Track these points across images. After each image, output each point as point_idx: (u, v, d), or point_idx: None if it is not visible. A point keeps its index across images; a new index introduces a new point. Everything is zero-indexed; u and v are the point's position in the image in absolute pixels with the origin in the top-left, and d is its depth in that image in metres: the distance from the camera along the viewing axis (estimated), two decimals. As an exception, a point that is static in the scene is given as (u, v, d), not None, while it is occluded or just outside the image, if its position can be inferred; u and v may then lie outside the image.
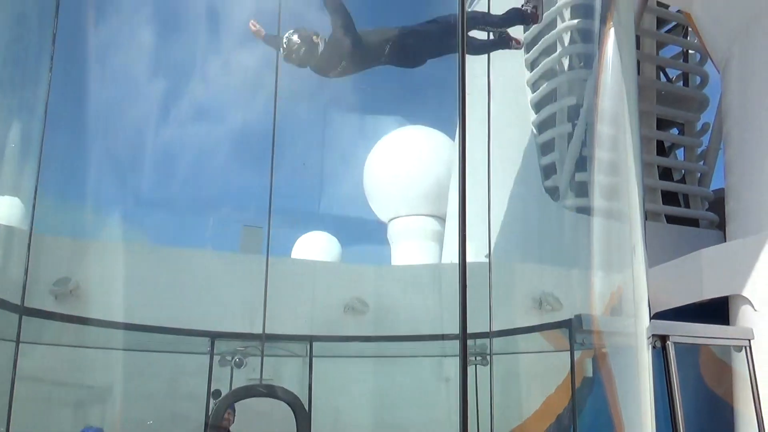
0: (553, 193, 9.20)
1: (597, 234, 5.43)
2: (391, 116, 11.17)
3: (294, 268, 6.88)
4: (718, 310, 7.59)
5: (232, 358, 4.92)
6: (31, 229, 4.22)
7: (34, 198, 4.23)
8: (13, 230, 4.38)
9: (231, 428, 5.11)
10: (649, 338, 4.41)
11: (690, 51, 12.67)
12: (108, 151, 5.44)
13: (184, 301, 5.33)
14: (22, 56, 4.44)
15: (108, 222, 5.47)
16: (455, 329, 5.49)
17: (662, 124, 11.95)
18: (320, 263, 8.36)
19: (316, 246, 10.06)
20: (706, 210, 11.64)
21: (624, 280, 4.92)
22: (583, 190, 8.48)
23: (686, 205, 11.57)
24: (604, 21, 6.35)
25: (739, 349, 4.66)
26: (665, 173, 11.67)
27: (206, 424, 4.60)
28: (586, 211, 7.10)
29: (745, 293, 7.51)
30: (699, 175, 12.01)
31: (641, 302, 4.58)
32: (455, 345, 5.70)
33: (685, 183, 11.76)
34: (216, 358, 5.02)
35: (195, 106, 6.26)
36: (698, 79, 12.39)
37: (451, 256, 9.75)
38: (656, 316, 6.00)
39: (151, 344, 4.79)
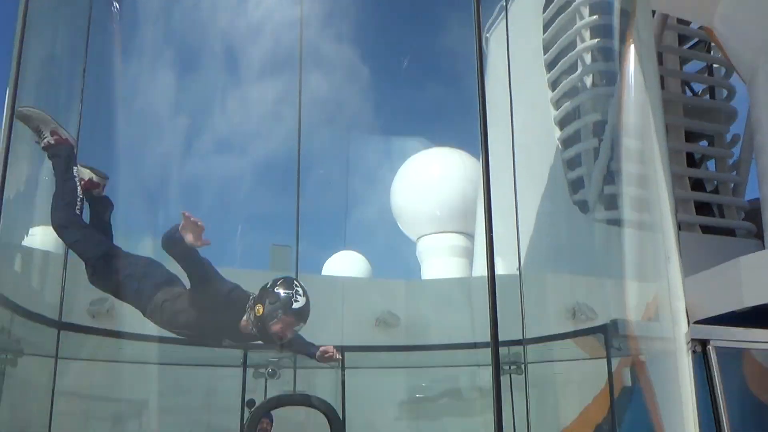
0: (582, 206, 9.14)
1: (629, 245, 5.37)
2: (417, 137, 11.30)
3: (324, 284, 6.94)
4: (759, 318, 7.35)
5: (266, 370, 4.94)
6: (66, 252, 4.35)
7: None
8: (49, 255, 4.50)
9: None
10: (688, 343, 4.28)
11: (714, 65, 12.59)
12: (136, 184, 5.61)
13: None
14: (53, 96, 4.64)
15: (139, 247, 5.60)
16: (486, 340, 5.46)
17: (691, 137, 11.82)
18: (350, 278, 8.39)
19: (345, 265, 10.12)
20: (742, 220, 11.38)
21: (659, 289, 4.83)
22: (612, 202, 8.41)
23: (721, 215, 11.34)
24: (623, 39, 6.38)
25: (782, 353, 4.51)
26: (697, 185, 11.49)
27: (241, 434, 4.60)
28: (616, 222, 7.03)
29: (787, 299, 7.28)
30: (732, 185, 11.79)
31: (679, 309, 4.49)
32: (488, 355, 5.66)
33: (718, 194, 11.55)
34: (249, 371, 5.05)
35: (221, 138, 6.48)
36: (724, 93, 12.28)
37: (481, 271, 9.70)
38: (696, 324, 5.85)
39: (185, 358, 4.84)
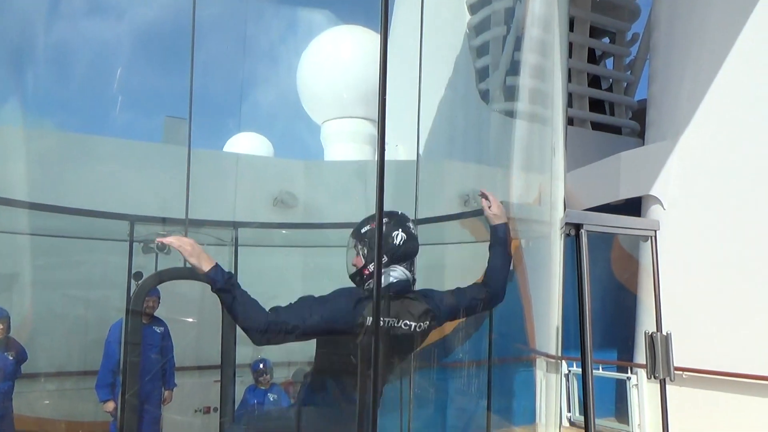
0: (485, 95, 9.26)
1: (520, 136, 5.54)
2: (324, 12, 10.72)
3: (220, 160, 6.71)
4: (631, 211, 8.07)
5: (155, 244, 4.80)
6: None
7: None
8: None
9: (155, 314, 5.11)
10: (562, 227, 4.60)
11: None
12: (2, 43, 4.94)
13: (100, 186, 5.11)
14: None
15: (6, 108, 5.05)
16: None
17: (595, 32, 12.05)
18: (248, 156, 8.17)
19: (246, 146, 9.82)
20: (630, 119, 12.08)
21: (543, 180, 5.08)
22: (512, 93, 8.57)
23: (611, 113, 11.95)
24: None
25: (645, 239, 4.96)
26: (594, 81, 11.91)
27: (127, 310, 4.54)
28: (513, 114, 7.21)
29: (656, 193, 8.00)
30: (625, 84, 12.34)
31: (558, 198, 4.77)
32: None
33: (612, 92, 12.08)
34: (139, 246, 4.89)
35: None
36: (631, -10, 12.47)
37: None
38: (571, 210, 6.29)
39: (64, 229, 4.59)
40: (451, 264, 6.35)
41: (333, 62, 11.10)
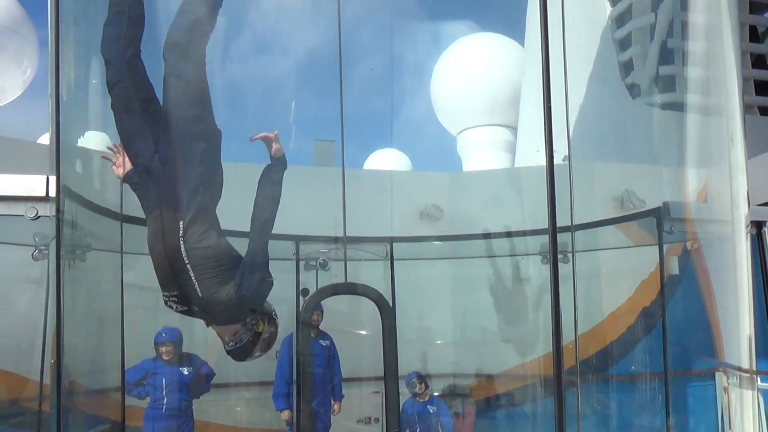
0: (633, 89, 8.70)
1: (688, 128, 5.11)
2: (458, 23, 10.75)
3: (368, 178, 6.96)
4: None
5: (317, 262, 5.09)
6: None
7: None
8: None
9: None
10: (748, 225, 4.15)
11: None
12: None
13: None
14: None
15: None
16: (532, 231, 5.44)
17: (755, 7, 10.87)
18: (394, 172, 8.38)
19: (386, 163, 10.08)
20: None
21: (720, 172, 4.65)
22: (669, 84, 7.96)
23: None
24: None
25: None
26: (759, 61, 10.72)
27: (297, 323, 4.83)
28: (673, 106, 6.69)
29: None
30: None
31: (739, 192, 4.33)
32: (533, 245, 5.67)
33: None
34: (301, 264, 5.22)
35: (260, 39, 6.29)
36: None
37: (524, 161, 9.53)
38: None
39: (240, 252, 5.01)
40: (609, 270, 6.01)
41: (465, 72, 11.07)
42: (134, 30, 2.71)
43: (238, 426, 5.53)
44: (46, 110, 2.84)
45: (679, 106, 6.13)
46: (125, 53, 2.67)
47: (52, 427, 2.74)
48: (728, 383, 6.04)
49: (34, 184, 3.61)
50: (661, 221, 4.60)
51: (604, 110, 7.85)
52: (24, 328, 5.43)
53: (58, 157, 2.82)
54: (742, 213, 3.97)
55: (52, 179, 2.92)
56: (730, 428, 6.10)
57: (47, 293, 4.79)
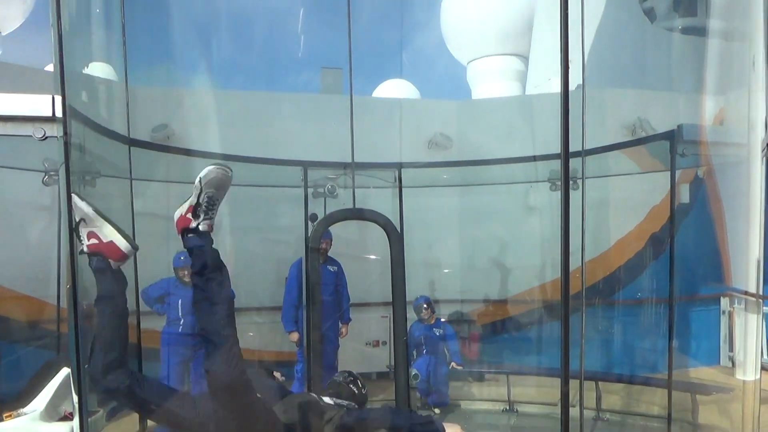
0: (650, 13, 8.36)
1: (710, 54, 4.92)
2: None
3: (376, 106, 6.85)
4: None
5: (324, 189, 5.09)
6: (126, 80, 4.33)
7: (124, 53, 4.29)
8: (111, 84, 4.49)
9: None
10: (764, 149, 4.06)
11: None
12: (188, 21, 5.46)
13: (276, 137, 5.50)
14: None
15: (195, 74, 5.60)
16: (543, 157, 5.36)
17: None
18: (403, 100, 8.24)
19: (395, 93, 9.90)
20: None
21: (739, 97, 4.51)
22: (691, 8, 7.62)
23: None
24: None
25: None
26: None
27: (306, 249, 4.89)
28: (694, 31, 6.43)
29: None
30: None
31: (756, 117, 4.21)
32: (543, 172, 5.62)
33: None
34: (309, 190, 5.22)
35: None
36: None
37: (534, 89, 9.32)
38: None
39: (248, 178, 5.00)
40: (619, 197, 5.97)
41: (476, 0, 10.68)
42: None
43: (249, 348, 5.71)
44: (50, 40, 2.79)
45: (700, 31, 5.90)
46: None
47: (71, 350, 2.81)
48: (734, 308, 6.13)
49: (40, 104, 3.57)
50: (674, 144, 4.51)
51: (621, 36, 7.58)
52: (40, 255, 5.55)
53: (63, 80, 2.77)
54: (759, 136, 3.88)
55: (58, 99, 2.88)
56: (732, 351, 6.24)
57: (59, 219, 4.86)
